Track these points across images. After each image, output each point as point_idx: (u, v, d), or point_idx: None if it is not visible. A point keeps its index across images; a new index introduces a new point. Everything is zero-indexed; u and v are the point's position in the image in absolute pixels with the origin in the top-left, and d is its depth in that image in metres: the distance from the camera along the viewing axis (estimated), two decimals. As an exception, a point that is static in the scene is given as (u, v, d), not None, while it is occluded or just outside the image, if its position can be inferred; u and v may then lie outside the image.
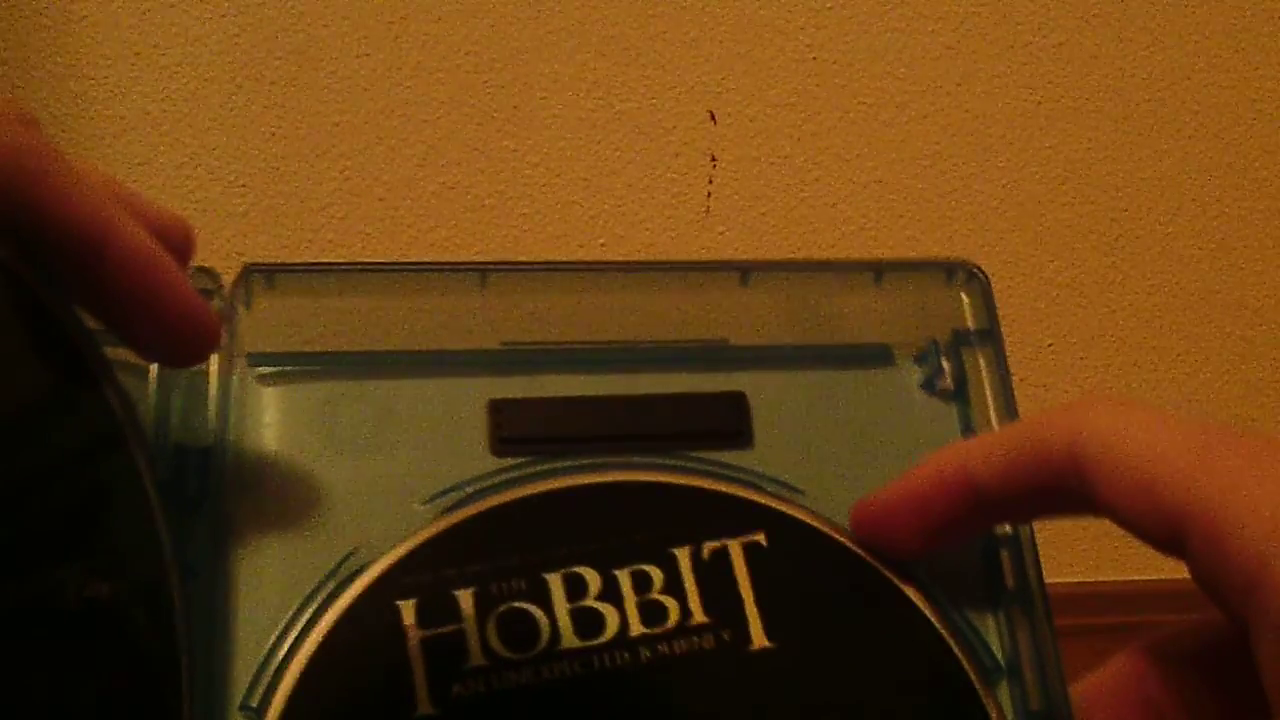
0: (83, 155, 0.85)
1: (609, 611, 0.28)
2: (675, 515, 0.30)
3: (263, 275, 0.32)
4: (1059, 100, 1.01)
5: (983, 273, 0.31)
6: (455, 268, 0.33)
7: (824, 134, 1.01)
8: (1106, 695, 0.27)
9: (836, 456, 0.32)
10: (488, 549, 0.29)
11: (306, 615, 0.29)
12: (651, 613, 0.29)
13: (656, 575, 0.29)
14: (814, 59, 1.01)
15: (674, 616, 0.29)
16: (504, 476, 0.31)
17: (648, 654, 0.28)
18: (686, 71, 0.99)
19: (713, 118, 1.00)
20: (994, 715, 0.29)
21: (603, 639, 0.28)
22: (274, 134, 0.81)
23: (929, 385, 0.32)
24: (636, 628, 0.28)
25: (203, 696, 0.27)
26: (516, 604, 0.28)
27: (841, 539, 0.30)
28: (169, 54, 0.88)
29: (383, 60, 0.90)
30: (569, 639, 0.28)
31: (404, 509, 0.30)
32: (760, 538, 0.30)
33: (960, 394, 0.32)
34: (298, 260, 0.33)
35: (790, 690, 0.28)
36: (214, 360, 0.31)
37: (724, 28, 1.00)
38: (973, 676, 0.29)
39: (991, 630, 0.30)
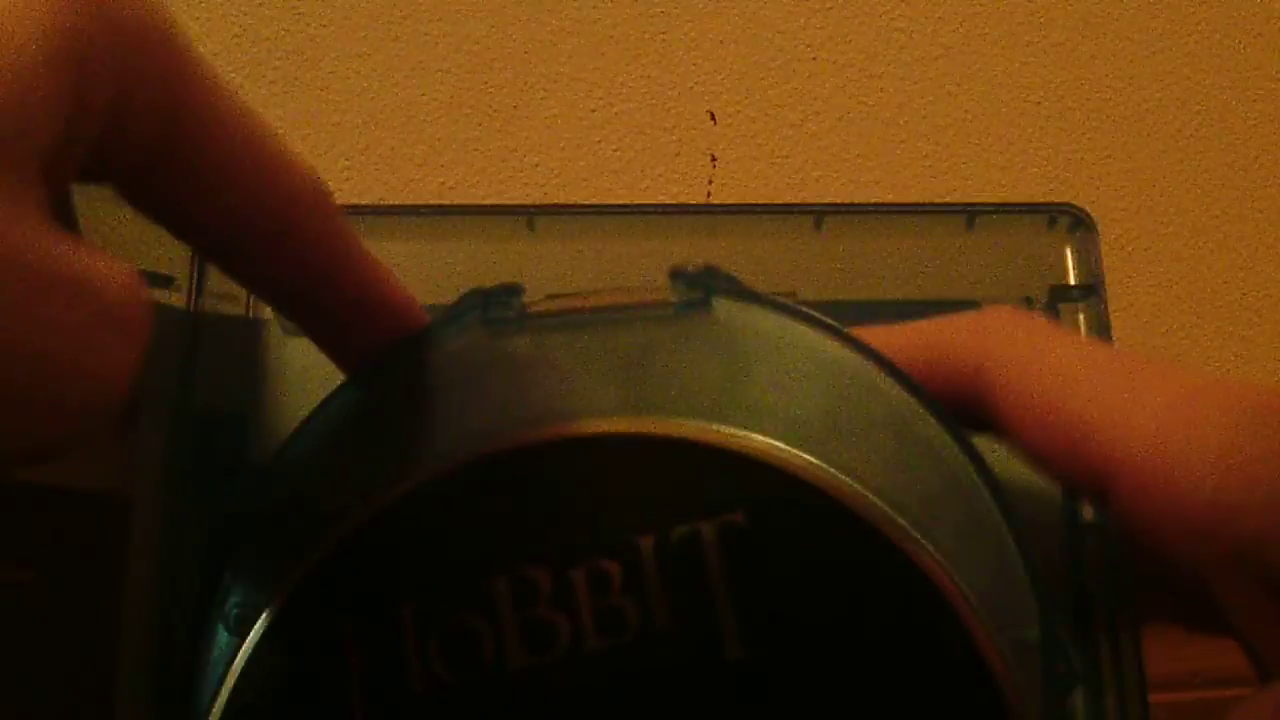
0: None
1: (561, 620, 0.24)
2: (647, 484, 0.24)
3: None
4: (1057, 114, 0.98)
5: (1089, 218, 0.27)
6: (504, 210, 0.30)
7: (824, 134, 0.97)
8: None
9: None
10: (437, 538, 0.25)
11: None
12: (609, 620, 0.24)
13: (616, 572, 0.24)
14: (814, 59, 0.98)
15: (634, 623, 0.23)
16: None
17: (603, 671, 0.23)
18: (686, 71, 0.95)
19: (713, 118, 0.96)
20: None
21: (554, 654, 0.23)
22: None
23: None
24: (591, 640, 0.23)
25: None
26: (459, 616, 0.24)
27: (859, 510, 0.23)
28: None
29: (383, 60, 0.86)
30: (517, 656, 0.23)
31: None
32: (738, 517, 0.23)
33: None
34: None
35: (768, 713, 0.23)
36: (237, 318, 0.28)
37: (724, 28, 0.96)
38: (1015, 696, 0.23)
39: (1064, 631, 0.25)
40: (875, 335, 0.25)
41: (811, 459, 0.23)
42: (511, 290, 0.26)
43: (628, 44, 0.94)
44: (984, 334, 0.23)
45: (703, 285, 0.25)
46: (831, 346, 0.24)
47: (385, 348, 0.26)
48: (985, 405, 0.23)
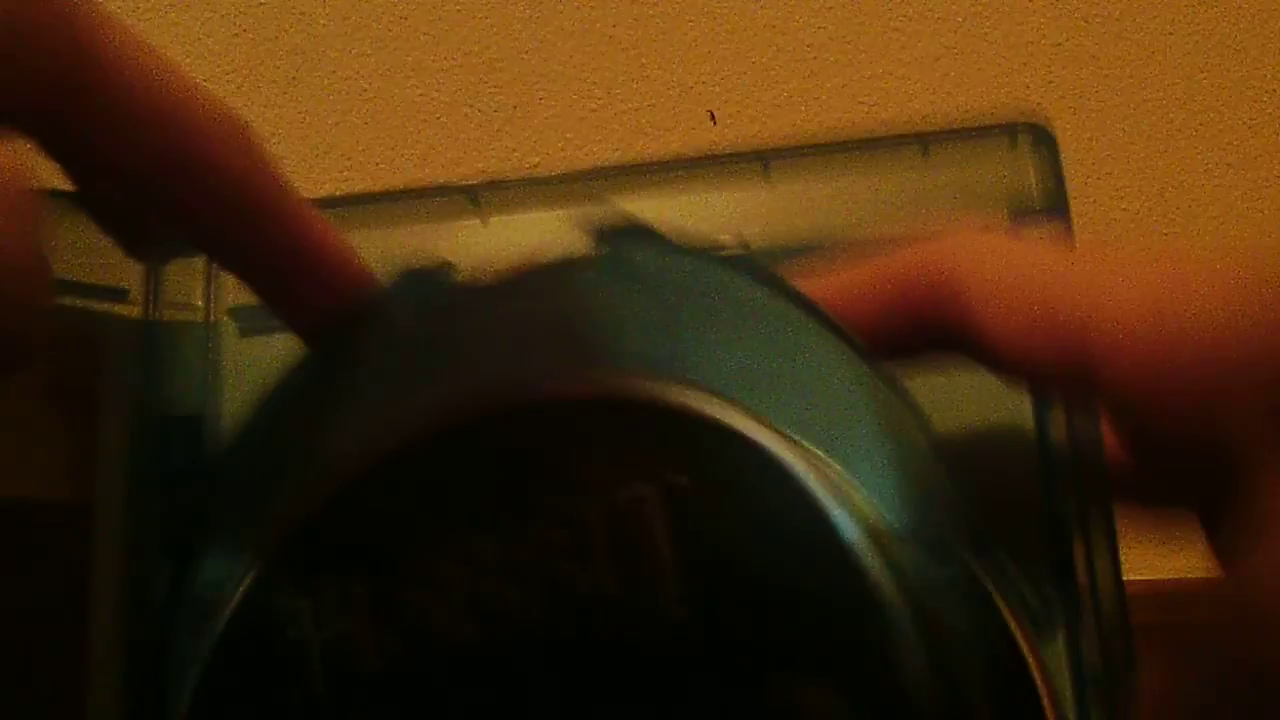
0: None
1: (510, 591, 0.23)
2: (592, 448, 0.24)
3: None
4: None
5: (1050, 133, 0.25)
6: (443, 191, 0.29)
7: (824, 134, 0.95)
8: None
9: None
10: (385, 516, 0.24)
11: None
12: (556, 584, 0.23)
13: (563, 540, 0.23)
14: (814, 59, 0.97)
15: (582, 589, 0.23)
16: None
17: (553, 637, 0.23)
18: (686, 71, 0.95)
19: (712, 118, 0.96)
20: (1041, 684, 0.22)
21: (504, 625, 0.23)
22: (274, 134, 0.77)
23: (988, 276, 0.26)
24: (539, 607, 0.23)
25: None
26: (410, 593, 0.23)
27: (797, 469, 0.22)
28: (169, 54, 0.83)
29: (383, 60, 0.86)
30: (468, 629, 0.23)
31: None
32: (683, 479, 0.22)
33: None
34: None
35: (714, 673, 0.22)
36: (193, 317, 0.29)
37: (724, 28, 0.96)
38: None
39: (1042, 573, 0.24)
40: (834, 279, 0.23)
41: (752, 417, 0.23)
42: (442, 269, 0.26)
43: (628, 44, 0.93)
44: (949, 255, 0.22)
45: (624, 241, 0.25)
46: (760, 294, 0.24)
47: (334, 320, 0.25)
48: (959, 326, 0.22)
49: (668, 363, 0.24)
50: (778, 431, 0.23)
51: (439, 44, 0.88)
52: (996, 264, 0.22)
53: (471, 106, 0.91)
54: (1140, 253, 0.21)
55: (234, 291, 0.28)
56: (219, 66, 0.84)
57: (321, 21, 0.85)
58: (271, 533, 0.24)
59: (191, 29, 0.84)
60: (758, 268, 0.24)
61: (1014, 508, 0.24)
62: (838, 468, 0.22)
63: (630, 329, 0.24)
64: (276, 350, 0.27)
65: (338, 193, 0.29)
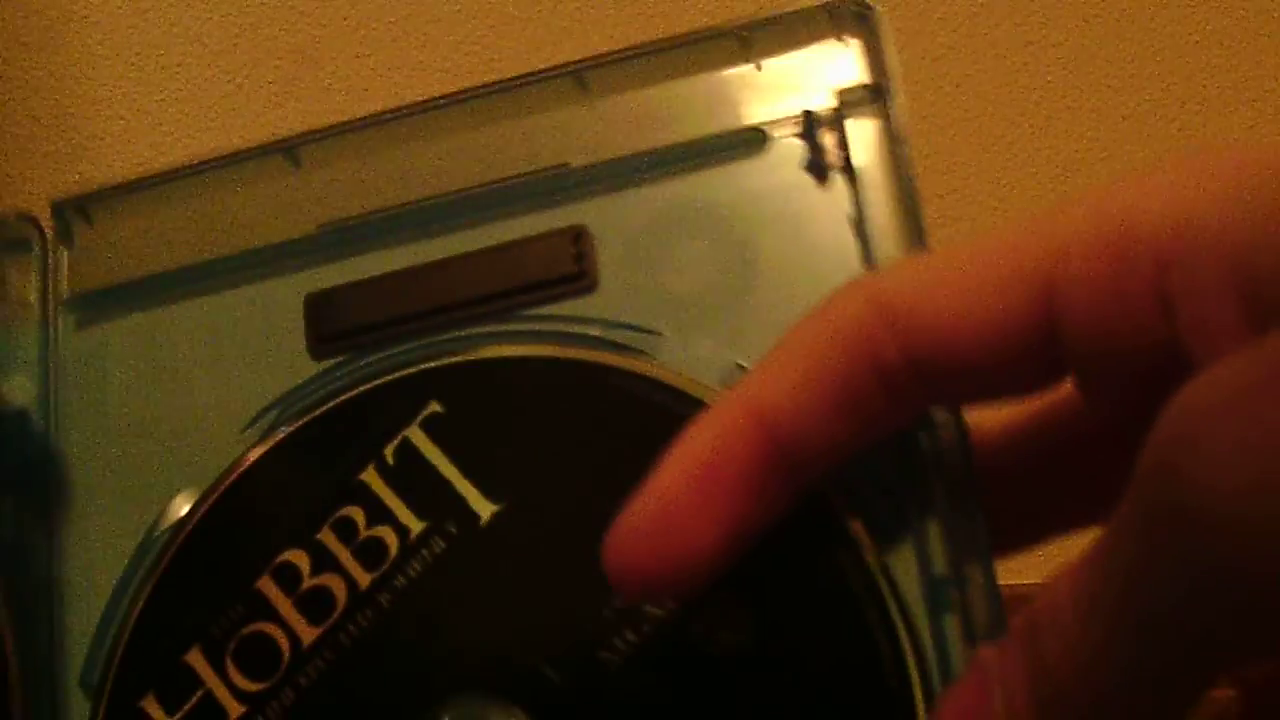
0: (83, 155, 0.83)
1: (332, 580, 0.24)
2: (340, 429, 0.25)
3: (75, 209, 0.28)
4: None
5: (871, 6, 0.23)
6: (262, 151, 0.28)
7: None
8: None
9: (706, 279, 0.23)
10: (190, 578, 0.25)
11: (138, 576, 0.25)
12: (370, 555, 0.24)
13: (357, 514, 0.24)
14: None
15: (394, 543, 0.24)
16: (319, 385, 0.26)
17: (388, 598, 0.24)
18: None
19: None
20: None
21: (338, 611, 0.24)
22: (274, 134, 0.76)
23: (813, 166, 0.23)
24: (364, 579, 0.24)
25: (43, 675, 0.25)
26: (243, 632, 0.24)
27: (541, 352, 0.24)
28: (169, 54, 0.83)
29: (383, 60, 0.85)
30: (307, 631, 0.24)
31: (227, 439, 0.26)
32: (435, 406, 0.24)
33: (849, 169, 0.23)
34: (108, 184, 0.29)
35: (540, 546, 0.24)
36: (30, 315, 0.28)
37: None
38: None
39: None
40: (766, 383, 0.20)
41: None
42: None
43: (628, 44, 0.91)
44: (854, 303, 0.20)
45: None
46: None
47: None
48: (925, 349, 0.19)
49: None
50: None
51: (439, 44, 0.87)
52: (911, 278, 0.19)
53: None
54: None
55: (73, 280, 0.28)
56: (219, 66, 0.83)
57: (321, 21, 0.84)
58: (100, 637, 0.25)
59: (191, 29, 0.83)
60: None
61: None
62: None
63: None
64: (114, 338, 0.27)
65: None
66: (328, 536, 0.24)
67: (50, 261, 0.28)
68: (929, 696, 0.20)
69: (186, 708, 0.24)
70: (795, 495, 0.20)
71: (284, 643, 0.24)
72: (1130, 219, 0.18)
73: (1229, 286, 0.17)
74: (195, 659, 0.24)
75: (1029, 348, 0.19)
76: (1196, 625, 0.15)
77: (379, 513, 0.24)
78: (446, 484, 0.24)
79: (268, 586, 0.24)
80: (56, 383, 0.27)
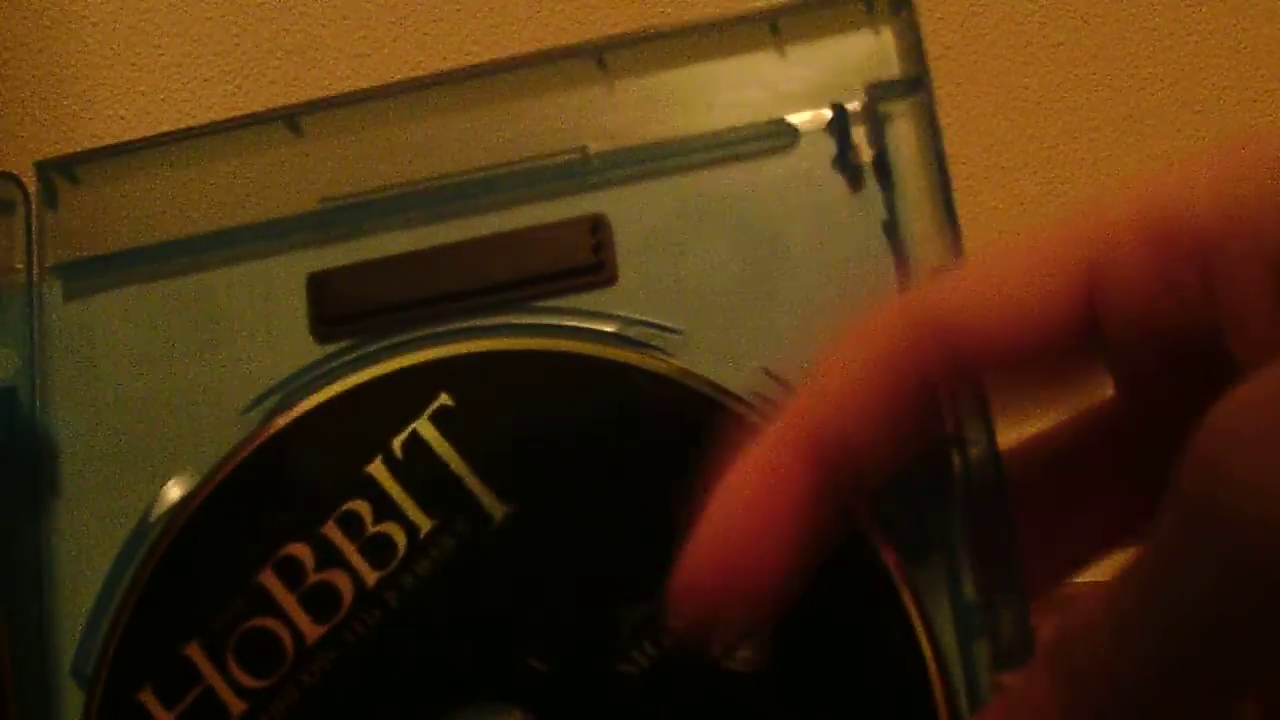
0: None
1: (338, 577, 0.23)
2: (346, 421, 0.24)
3: (60, 170, 0.27)
4: None
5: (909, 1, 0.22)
6: (262, 118, 0.26)
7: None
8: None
9: (730, 277, 0.23)
10: (191, 570, 0.25)
11: (134, 564, 0.25)
12: (377, 552, 0.23)
13: (364, 508, 0.24)
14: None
15: (402, 541, 0.23)
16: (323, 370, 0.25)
17: (396, 597, 0.23)
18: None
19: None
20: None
21: (344, 609, 0.23)
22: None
23: (843, 163, 0.22)
24: (371, 577, 0.23)
25: (33, 664, 0.24)
26: (244, 627, 0.24)
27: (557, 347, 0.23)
28: (169, 54, 0.82)
29: (383, 60, 0.84)
30: (311, 629, 0.23)
31: (226, 422, 0.25)
32: (445, 399, 0.23)
33: (882, 167, 0.22)
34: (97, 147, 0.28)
35: (554, 550, 0.23)
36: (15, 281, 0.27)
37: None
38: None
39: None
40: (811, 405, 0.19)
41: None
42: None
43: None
44: (901, 313, 0.19)
45: None
46: None
47: None
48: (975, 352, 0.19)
49: None
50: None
51: (439, 44, 0.86)
52: (953, 282, 0.19)
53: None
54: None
55: (59, 247, 0.27)
56: (219, 66, 0.82)
57: (321, 21, 0.83)
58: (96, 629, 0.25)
59: (191, 29, 0.82)
60: None
61: None
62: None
63: None
64: (105, 310, 0.26)
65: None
66: (333, 531, 0.23)
67: (35, 225, 0.27)
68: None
69: (186, 702, 0.23)
70: (841, 520, 0.19)
71: (287, 639, 0.23)
72: (1175, 207, 0.18)
73: (1269, 281, 0.17)
74: (195, 652, 0.24)
75: (1071, 336, 0.19)
76: (1236, 632, 0.15)
77: (387, 508, 0.23)
78: (457, 481, 0.23)
79: (270, 580, 0.23)
80: (43, 356, 0.26)
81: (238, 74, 0.83)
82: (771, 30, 0.23)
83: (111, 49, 0.84)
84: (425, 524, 0.23)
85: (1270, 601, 0.15)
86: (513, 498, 0.23)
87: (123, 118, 0.84)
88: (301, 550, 0.24)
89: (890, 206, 0.22)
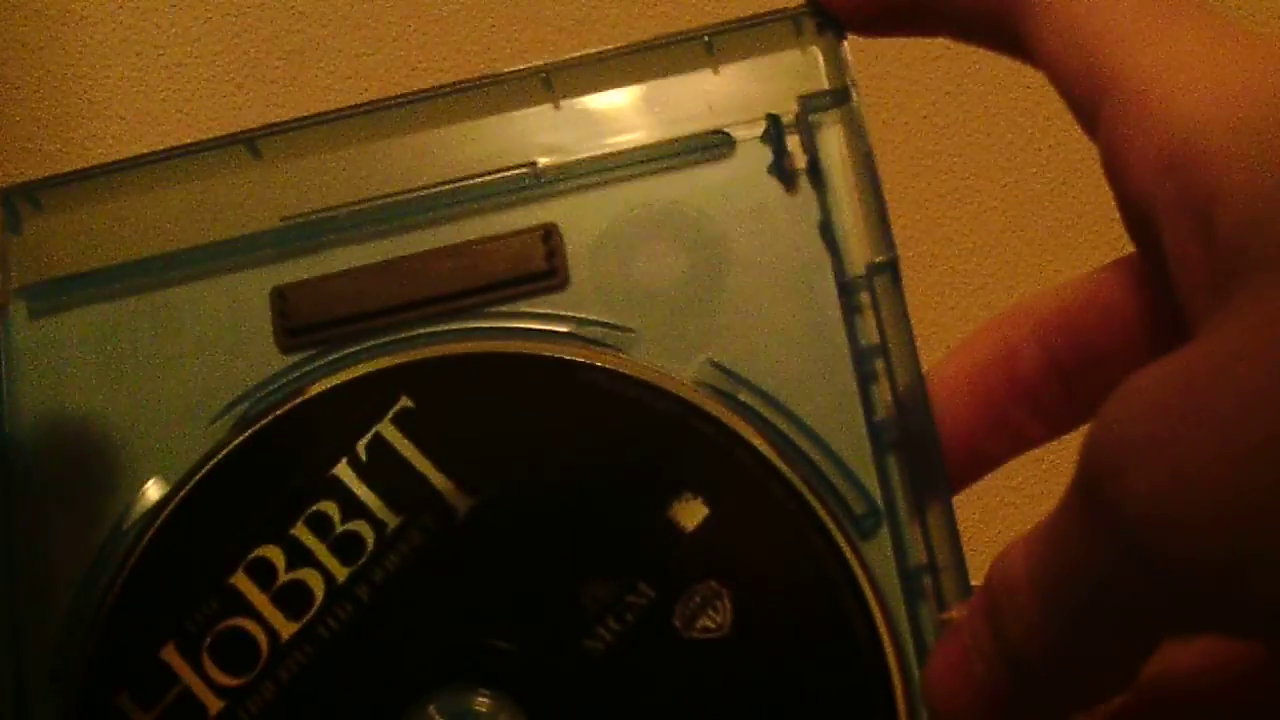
0: (83, 156, 0.81)
1: (309, 575, 0.24)
2: (311, 425, 0.25)
3: (24, 195, 0.28)
4: None
5: (835, 20, 0.23)
6: (222, 142, 0.27)
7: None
8: (967, 380, 0.22)
9: (676, 277, 0.24)
10: (162, 574, 0.25)
11: (109, 571, 0.25)
12: (346, 549, 0.24)
13: (331, 508, 0.24)
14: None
15: (370, 537, 0.24)
16: (288, 379, 0.26)
17: (367, 591, 0.24)
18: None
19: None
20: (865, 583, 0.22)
21: (316, 605, 0.24)
22: None
23: (779, 169, 0.23)
24: (341, 573, 0.24)
25: (5, 669, 0.25)
26: (218, 627, 0.24)
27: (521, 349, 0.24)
28: (169, 54, 0.82)
29: (383, 60, 0.84)
30: (285, 626, 0.24)
31: (195, 432, 0.26)
32: (406, 401, 0.24)
33: (815, 172, 0.23)
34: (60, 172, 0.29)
35: (516, 538, 0.24)
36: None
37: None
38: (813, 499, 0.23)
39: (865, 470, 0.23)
40: None
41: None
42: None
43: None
44: None
45: None
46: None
47: None
48: (1018, 23, 0.22)
49: None
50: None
51: (439, 44, 0.86)
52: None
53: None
54: (1206, 17, 0.20)
55: (23, 269, 0.27)
56: (219, 66, 0.82)
57: (321, 22, 0.83)
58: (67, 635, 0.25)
59: (191, 29, 0.82)
60: None
61: (832, 409, 0.23)
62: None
63: None
64: (70, 329, 0.26)
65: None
66: (302, 531, 0.24)
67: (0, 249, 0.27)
68: (907, 680, 0.21)
69: (163, 704, 0.24)
70: None
71: (262, 638, 0.24)
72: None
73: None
74: (170, 655, 0.24)
75: None
76: (1128, 602, 0.17)
77: (353, 507, 0.24)
78: (421, 478, 0.24)
79: (242, 582, 0.24)
80: (10, 373, 0.26)
81: (238, 74, 0.83)
82: (707, 50, 0.24)
83: (112, 49, 0.84)
84: (392, 520, 0.24)
85: (1158, 589, 0.16)
86: (475, 491, 0.24)
87: (123, 118, 0.83)
88: (272, 551, 0.24)
89: (824, 207, 0.23)
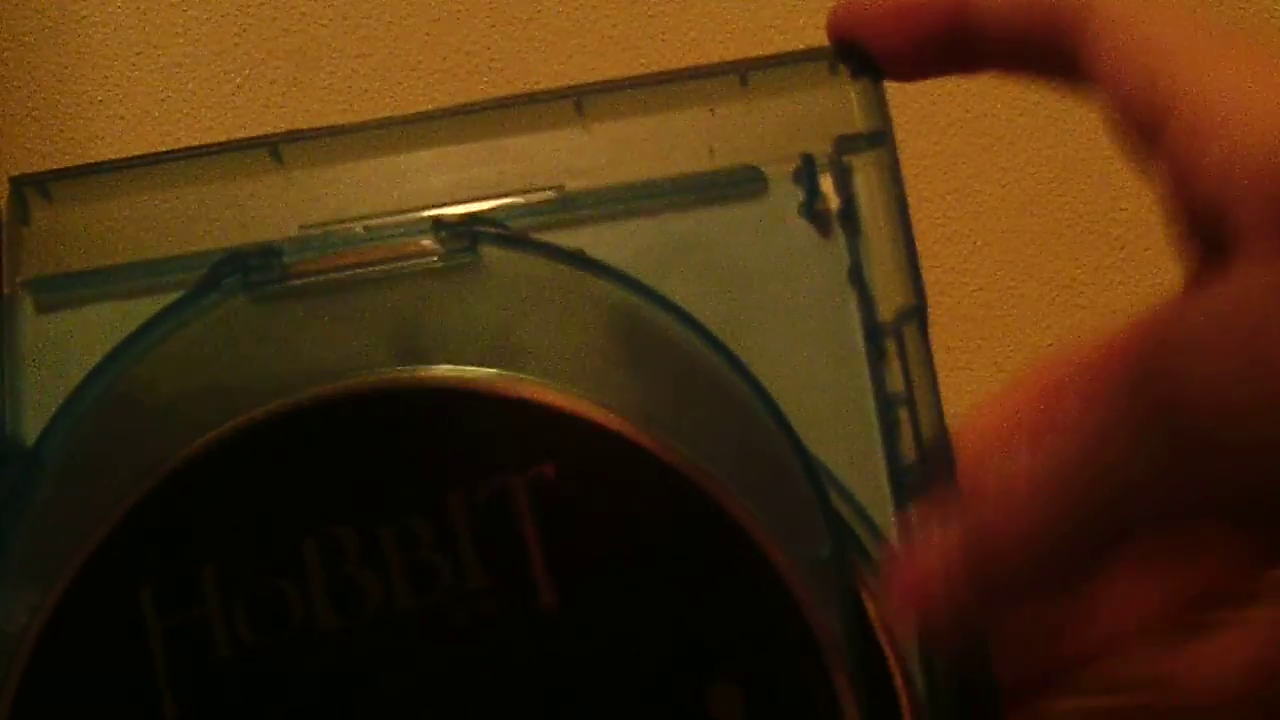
0: (83, 156, 0.82)
1: (371, 580, 0.23)
2: (454, 436, 0.24)
3: (35, 186, 0.27)
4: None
5: (873, 58, 0.23)
6: (245, 145, 0.26)
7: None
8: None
9: (697, 313, 0.23)
10: (236, 499, 0.24)
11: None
12: (421, 576, 0.23)
13: (425, 530, 0.23)
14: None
15: (446, 579, 0.23)
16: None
17: (417, 628, 0.23)
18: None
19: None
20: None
21: (365, 614, 0.23)
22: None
23: (810, 211, 0.23)
24: (404, 598, 0.23)
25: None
26: (265, 578, 0.23)
27: (668, 456, 0.23)
28: (169, 54, 0.83)
29: (383, 60, 0.84)
30: (327, 617, 0.23)
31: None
32: (548, 470, 0.23)
33: (848, 215, 0.23)
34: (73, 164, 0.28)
35: (586, 658, 0.23)
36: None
37: (724, 28, 0.93)
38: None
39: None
40: None
41: (606, 407, 0.23)
42: (270, 252, 0.25)
43: (628, 44, 0.91)
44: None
45: (468, 235, 0.24)
46: (601, 286, 0.23)
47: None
48: (1076, 48, 0.22)
49: (512, 356, 0.24)
50: (634, 421, 0.23)
51: (439, 44, 0.87)
52: (1127, 26, 0.22)
53: (472, 106, 0.90)
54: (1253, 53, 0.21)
55: (33, 263, 0.27)
56: (219, 66, 0.82)
57: (321, 21, 0.83)
58: (110, 514, 0.24)
59: (191, 29, 0.83)
60: (604, 265, 0.24)
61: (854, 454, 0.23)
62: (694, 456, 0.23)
63: (473, 323, 0.25)
64: (79, 326, 0.26)
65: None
66: (387, 535, 0.23)
67: (7, 239, 0.27)
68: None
69: (177, 620, 0.23)
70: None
71: (298, 611, 0.23)
72: None
73: None
74: (208, 576, 0.23)
75: None
76: (1155, 492, 0.19)
77: (446, 540, 0.23)
78: (524, 552, 0.23)
79: (308, 549, 0.23)
80: (14, 367, 0.26)
81: (238, 74, 0.83)
82: (741, 83, 0.24)
83: (112, 49, 0.84)
84: (475, 574, 0.23)
85: (1197, 477, 0.18)
86: (569, 595, 0.23)
87: (123, 117, 0.83)
88: (348, 535, 0.23)
89: (855, 253, 0.22)
